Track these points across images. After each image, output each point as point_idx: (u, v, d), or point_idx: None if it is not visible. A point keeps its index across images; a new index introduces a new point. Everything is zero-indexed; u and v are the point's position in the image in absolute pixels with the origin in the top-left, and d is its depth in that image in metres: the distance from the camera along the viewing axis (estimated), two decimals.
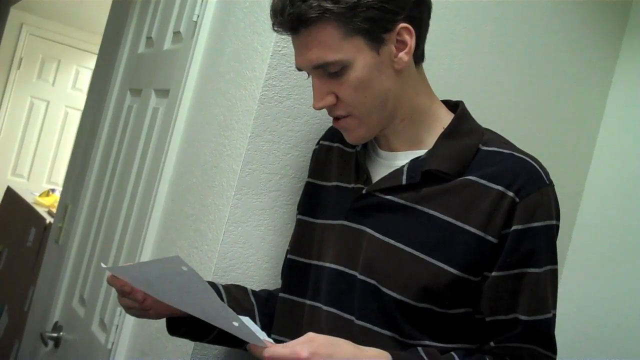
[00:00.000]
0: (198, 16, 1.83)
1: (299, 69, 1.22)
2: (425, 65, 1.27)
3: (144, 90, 2.16)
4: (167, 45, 2.06)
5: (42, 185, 5.57)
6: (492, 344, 1.19)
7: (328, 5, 1.10)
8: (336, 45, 1.13)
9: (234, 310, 1.10)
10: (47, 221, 3.51)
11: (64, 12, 5.41)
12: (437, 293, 1.15)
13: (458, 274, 1.15)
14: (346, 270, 1.23)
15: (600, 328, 1.99)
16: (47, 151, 5.87)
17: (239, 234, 1.48)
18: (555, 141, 2.01)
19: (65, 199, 2.76)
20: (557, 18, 1.94)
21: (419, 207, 1.19)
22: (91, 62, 4.11)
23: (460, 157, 1.20)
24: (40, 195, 4.31)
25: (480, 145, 1.21)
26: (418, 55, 1.23)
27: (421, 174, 1.19)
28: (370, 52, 1.15)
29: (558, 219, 1.21)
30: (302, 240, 1.35)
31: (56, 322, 2.37)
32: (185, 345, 1.50)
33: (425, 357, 1.13)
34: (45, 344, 2.33)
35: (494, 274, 1.15)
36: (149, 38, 2.25)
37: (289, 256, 1.37)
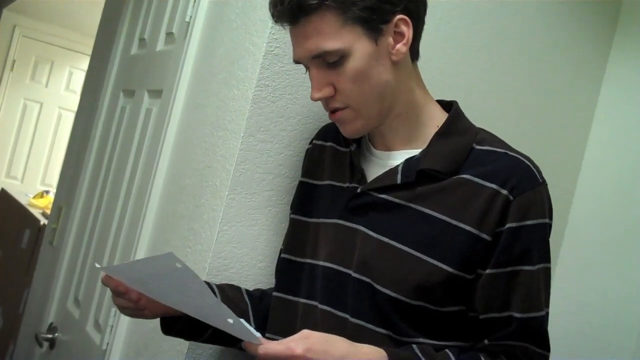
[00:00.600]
0: (190, 17, 1.83)
1: (297, 62, 1.23)
2: (419, 64, 1.28)
3: (137, 91, 2.17)
4: (160, 46, 2.06)
5: (36, 187, 5.56)
6: (486, 341, 1.19)
7: None
8: (335, 33, 1.14)
9: None
10: (41, 223, 3.51)
11: (57, 14, 5.41)
12: (431, 291, 1.16)
13: (452, 271, 1.15)
14: (340, 268, 1.24)
15: (592, 325, 2.00)
16: (41, 153, 5.87)
17: (232, 233, 1.48)
18: (548, 140, 2.02)
19: (59, 201, 2.76)
20: (549, 18, 1.95)
21: (413, 205, 1.20)
22: (84, 64, 4.09)
23: (455, 156, 1.20)
24: (34, 197, 4.31)
25: (474, 145, 1.22)
26: (413, 52, 1.24)
27: (416, 173, 1.20)
28: (369, 42, 1.16)
29: (551, 217, 1.22)
30: (295, 239, 1.36)
31: (51, 324, 2.37)
32: (180, 345, 1.50)
33: (419, 354, 1.13)
34: (41, 345, 2.33)
35: (487, 271, 1.16)
36: (141, 39, 2.25)
37: (282, 255, 1.38)
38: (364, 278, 1.20)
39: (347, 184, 1.30)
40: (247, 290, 1.42)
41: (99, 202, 2.26)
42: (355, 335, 1.16)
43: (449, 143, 1.22)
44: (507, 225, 1.15)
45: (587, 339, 2.00)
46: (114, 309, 1.86)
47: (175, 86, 1.80)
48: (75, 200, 2.44)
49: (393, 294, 1.17)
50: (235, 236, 1.48)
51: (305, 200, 1.38)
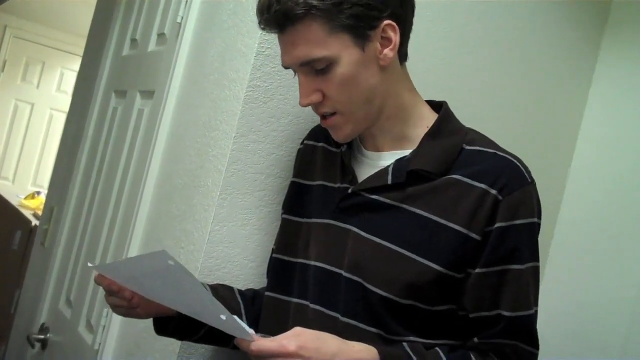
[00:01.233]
0: (182, 17, 1.83)
1: (286, 67, 1.23)
2: (408, 65, 1.28)
3: (128, 92, 2.17)
4: (152, 46, 2.06)
5: (27, 188, 5.55)
6: (475, 339, 1.20)
7: (314, 1, 1.12)
8: (322, 41, 1.14)
9: None
10: (33, 224, 3.51)
11: (48, 14, 5.39)
12: (422, 290, 1.17)
13: (442, 271, 1.16)
14: (332, 268, 1.24)
15: (581, 324, 2.01)
16: (32, 154, 5.85)
17: (224, 233, 1.48)
18: (537, 139, 2.03)
19: (50, 201, 2.76)
20: (539, 17, 1.96)
21: (404, 206, 1.20)
22: (76, 64, 4.09)
23: (445, 157, 1.21)
24: (25, 198, 4.30)
25: (464, 145, 1.23)
26: (402, 55, 1.24)
27: (406, 174, 1.21)
28: (356, 48, 1.16)
29: (540, 216, 1.22)
30: (287, 239, 1.36)
31: (43, 324, 2.37)
32: (172, 345, 1.50)
33: (410, 352, 1.14)
34: (32, 346, 2.32)
35: (477, 270, 1.17)
36: (133, 40, 2.26)
37: (274, 255, 1.38)
38: (355, 278, 1.21)
39: (338, 185, 1.31)
40: (239, 290, 1.43)
41: (90, 203, 2.26)
42: (346, 334, 1.16)
43: (438, 143, 1.23)
44: (497, 225, 1.15)
45: (575, 339, 2.01)
46: (106, 309, 1.86)
47: (167, 87, 1.81)
48: (67, 201, 2.44)
49: (384, 294, 1.17)
50: (227, 236, 1.49)
51: (296, 200, 1.39)
